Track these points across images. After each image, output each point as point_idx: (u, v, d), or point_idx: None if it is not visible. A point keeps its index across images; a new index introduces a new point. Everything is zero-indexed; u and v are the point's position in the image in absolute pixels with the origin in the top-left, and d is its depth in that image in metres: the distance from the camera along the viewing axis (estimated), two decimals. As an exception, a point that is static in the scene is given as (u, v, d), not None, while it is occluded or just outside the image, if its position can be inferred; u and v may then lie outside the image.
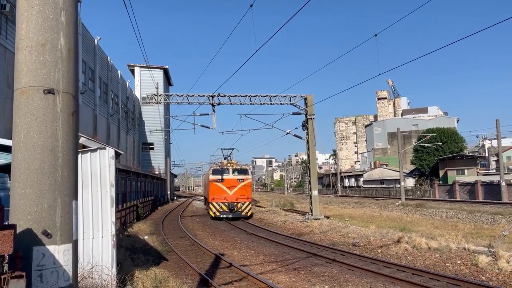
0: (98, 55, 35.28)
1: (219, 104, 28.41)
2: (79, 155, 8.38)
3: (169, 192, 62.67)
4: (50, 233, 3.38)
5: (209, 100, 28.33)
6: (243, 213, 29.25)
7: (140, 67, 58.28)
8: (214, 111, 28.46)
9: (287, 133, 31.49)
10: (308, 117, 28.93)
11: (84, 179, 8.46)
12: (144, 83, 57.27)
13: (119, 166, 23.76)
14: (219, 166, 30.24)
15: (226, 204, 29.01)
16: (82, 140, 8.94)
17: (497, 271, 11.12)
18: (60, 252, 3.44)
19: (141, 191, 35.17)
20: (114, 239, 8.61)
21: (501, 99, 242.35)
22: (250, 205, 29.91)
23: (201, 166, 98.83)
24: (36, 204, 3.38)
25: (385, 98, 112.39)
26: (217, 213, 28.94)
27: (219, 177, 29.27)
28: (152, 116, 56.48)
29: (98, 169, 8.62)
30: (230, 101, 28.56)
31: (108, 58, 39.57)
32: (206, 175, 34.28)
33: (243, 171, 30.25)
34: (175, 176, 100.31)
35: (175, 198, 73.57)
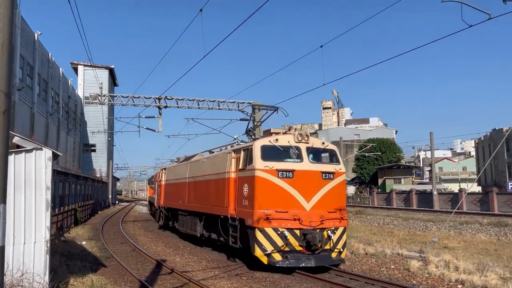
0: (38, 50, 33.54)
1: (166, 107, 28.00)
2: (12, 156, 7.93)
3: (110, 196, 60.57)
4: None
5: (156, 103, 27.85)
6: (335, 254, 12.47)
7: (84, 65, 56.07)
8: (160, 114, 28.02)
9: (235, 138, 31.50)
10: (255, 123, 29.21)
11: (17, 181, 8.01)
12: (88, 82, 55.12)
13: (57, 168, 22.67)
14: (273, 140, 12.69)
15: (299, 232, 11.95)
16: (16, 140, 8.46)
17: (426, 275, 11.80)
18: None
19: (81, 195, 33.72)
20: (48, 245, 8.20)
21: (437, 112, 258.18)
22: (345, 234, 12.94)
23: (145, 170, 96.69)
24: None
25: (330, 108, 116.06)
26: (276, 257, 11.81)
27: (280, 166, 12.28)
28: (95, 117, 54.40)
29: (33, 171, 8.19)
30: (177, 104, 28.24)
31: (49, 54, 37.74)
32: (221, 158, 15.26)
33: (329, 155, 13.52)
34: (118, 179, 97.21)
35: (117, 202, 71.23)
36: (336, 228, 12.41)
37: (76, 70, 57.79)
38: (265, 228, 11.67)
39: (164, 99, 27.93)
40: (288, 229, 11.75)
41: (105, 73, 58.35)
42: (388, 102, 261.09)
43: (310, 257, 11.72)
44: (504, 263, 13.25)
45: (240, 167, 13.30)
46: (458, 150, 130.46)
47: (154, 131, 29.46)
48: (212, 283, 10.98)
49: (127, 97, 28.36)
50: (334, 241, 12.28)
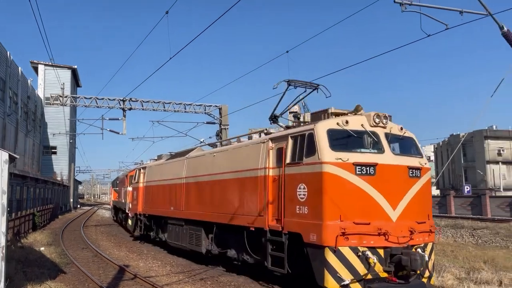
0: (-4, 48, 32.22)
1: (130, 109, 27.58)
2: (-34, 158, 7.58)
3: (72, 200, 58.83)
4: None
5: (120, 105, 27.37)
6: (425, 280, 9.13)
7: (45, 65, 54.24)
8: (124, 116, 27.53)
9: (201, 142, 31.42)
10: (222, 127, 29.21)
11: (-30, 185, 7.65)
12: (49, 82, 53.34)
13: (14, 171, 21.78)
14: (343, 122, 9.27)
15: (384, 252, 8.61)
16: (-30, 142, 8.10)
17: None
18: None
19: (40, 198, 32.54)
20: (4, 251, 7.88)
21: (397, 117, 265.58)
22: (434, 252, 9.84)
23: (109, 173, 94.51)
24: None
25: (296, 112, 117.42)
26: None
27: (357, 158, 8.85)
28: (56, 118, 52.71)
29: (-12, 174, 7.85)
30: (142, 106, 27.86)
31: (8, 53, 36.30)
32: (248, 149, 11.69)
33: (408, 145, 10.14)
34: (80, 183, 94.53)
35: (79, 206, 69.28)
36: (426, 245, 9.20)
37: (36, 69, 55.82)
38: (340, 248, 8.25)
39: (129, 101, 27.48)
40: (370, 247, 8.42)
41: (68, 73, 56.66)
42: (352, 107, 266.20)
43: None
44: (460, 263, 13.80)
45: (288, 160, 9.66)
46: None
47: (118, 133, 28.91)
48: (176, 288, 10.87)
49: (90, 98, 27.72)
50: (425, 262, 8.83)
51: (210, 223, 13.24)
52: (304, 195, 9.10)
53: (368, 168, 8.75)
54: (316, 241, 8.53)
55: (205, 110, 29.45)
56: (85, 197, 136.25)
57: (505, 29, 8.82)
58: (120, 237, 23.73)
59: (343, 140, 9.13)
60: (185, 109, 29.17)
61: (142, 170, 20.86)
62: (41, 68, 54.90)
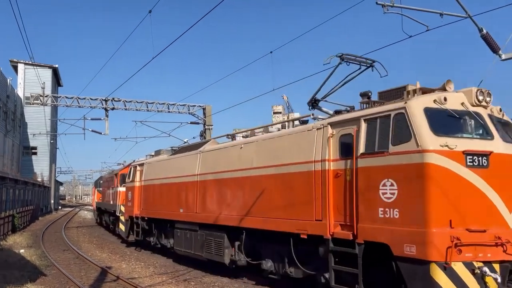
0: (-26, 46, 31.47)
1: (113, 109, 27.29)
2: None
3: (53, 201, 57.89)
4: None
5: (102, 104, 27.07)
6: None
7: (25, 64, 53.21)
8: (107, 116, 27.23)
9: (185, 142, 31.24)
10: (206, 127, 29.11)
11: None
12: (29, 81, 52.33)
13: (-7, 172, 21.33)
14: (440, 99, 7.23)
15: (499, 268, 6.73)
16: None
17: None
18: None
19: (19, 200, 31.98)
20: (-19, 254, 7.71)
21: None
22: None
23: (91, 174, 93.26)
24: None
25: (280, 113, 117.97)
26: None
27: (466, 145, 6.91)
28: (36, 118, 51.75)
29: (-35, 175, 7.66)
30: (125, 106, 27.62)
31: (-14, 51, 35.54)
32: (297, 138, 9.54)
33: (509, 130, 7.94)
34: (61, 184, 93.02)
35: (60, 207, 68.23)
36: None
37: (16, 68, 54.70)
38: (453, 265, 6.41)
39: (111, 100, 27.19)
40: (485, 262, 6.63)
41: (48, 72, 55.71)
42: (336, 107, 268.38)
43: None
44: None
45: (362, 150, 7.67)
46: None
47: (101, 133, 28.58)
48: (159, 289, 10.80)
49: (71, 98, 27.35)
50: None
51: (236, 228, 11.01)
52: (392, 194, 7.13)
53: (480, 159, 6.90)
54: (415, 254, 6.61)
55: (188, 110, 29.33)
56: (66, 198, 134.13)
57: (484, 31, 9.00)
58: (102, 239, 23.43)
59: (444, 123, 7.14)
60: (169, 109, 29.01)
61: (138, 168, 18.38)
62: (21, 67, 53.84)
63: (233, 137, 13.12)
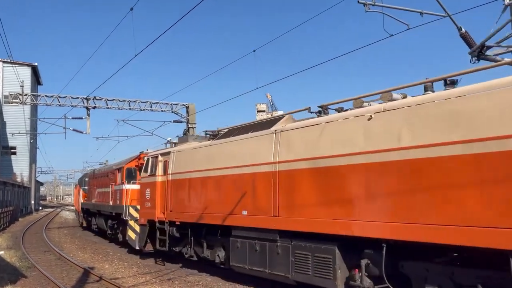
0: (-51, 44, 30.68)
1: (94, 107, 26.92)
2: None
3: (33, 202, 56.88)
4: None
5: (84, 103, 26.69)
6: None
7: (3, 62, 52.07)
8: (88, 115, 26.85)
9: (168, 140, 31.00)
10: (190, 125, 28.94)
11: None
12: (7, 80, 51.23)
13: (-30, 173, 20.81)
14: None
15: None
16: None
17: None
18: None
19: (-2, 201, 31.31)
20: (-41, 256, 7.53)
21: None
22: None
23: (73, 174, 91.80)
24: None
25: (264, 111, 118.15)
26: None
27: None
28: (15, 117, 50.69)
29: None
30: (107, 105, 27.27)
31: (-38, 48, 34.64)
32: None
33: None
34: (42, 184, 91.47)
35: (41, 208, 67.12)
36: None
37: (-6, 66, 53.55)
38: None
39: (93, 99, 26.80)
40: None
41: (27, 70, 54.67)
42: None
43: None
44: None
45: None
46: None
47: (82, 132, 28.12)
48: (143, 289, 10.71)
49: (52, 96, 26.83)
50: None
51: (358, 239, 7.44)
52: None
53: None
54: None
55: (172, 109, 29.10)
56: (47, 198, 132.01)
57: (463, 30, 9.15)
58: (84, 239, 23.13)
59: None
60: (152, 107, 28.73)
61: (160, 158, 14.38)
62: (-2, 65, 52.70)
63: (325, 110, 9.00)
